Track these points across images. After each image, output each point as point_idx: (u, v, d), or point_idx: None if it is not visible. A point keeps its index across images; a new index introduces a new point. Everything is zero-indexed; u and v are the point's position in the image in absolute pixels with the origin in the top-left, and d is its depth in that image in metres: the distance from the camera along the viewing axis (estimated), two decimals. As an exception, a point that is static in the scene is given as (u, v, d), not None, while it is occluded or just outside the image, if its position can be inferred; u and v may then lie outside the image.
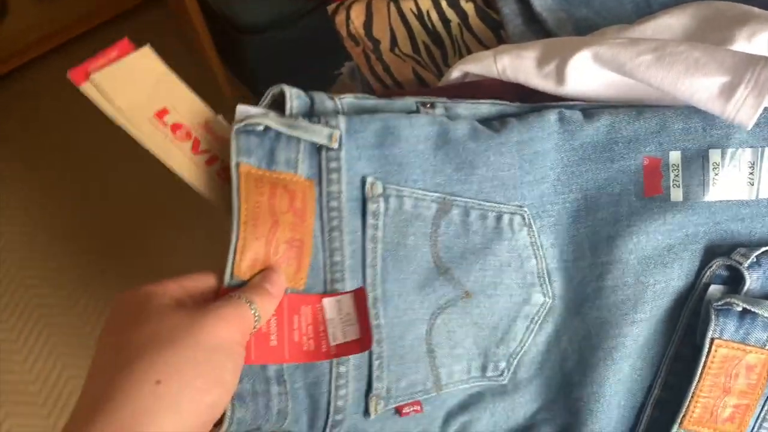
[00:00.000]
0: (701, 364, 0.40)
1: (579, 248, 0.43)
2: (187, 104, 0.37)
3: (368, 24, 0.57)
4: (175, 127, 0.36)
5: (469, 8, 0.55)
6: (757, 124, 0.41)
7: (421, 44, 0.56)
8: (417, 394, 0.41)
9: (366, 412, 0.39)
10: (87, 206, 1.47)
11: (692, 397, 0.41)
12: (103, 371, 0.29)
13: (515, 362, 0.44)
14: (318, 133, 0.37)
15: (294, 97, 0.38)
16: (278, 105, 0.39)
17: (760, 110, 0.38)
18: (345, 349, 0.37)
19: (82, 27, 1.63)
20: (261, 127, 0.36)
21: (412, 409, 0.40)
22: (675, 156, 0.42)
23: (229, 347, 0.31)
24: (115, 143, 1.53)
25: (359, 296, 0.38)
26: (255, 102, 0.38)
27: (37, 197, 1.49)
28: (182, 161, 0.37)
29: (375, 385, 0.39)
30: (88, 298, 1.36)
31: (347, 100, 0.41)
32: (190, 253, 1.38)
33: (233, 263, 0.35)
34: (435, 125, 0.41)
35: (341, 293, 0.38)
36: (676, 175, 0.42)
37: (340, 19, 0.57)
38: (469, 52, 0.55)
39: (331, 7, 0.58)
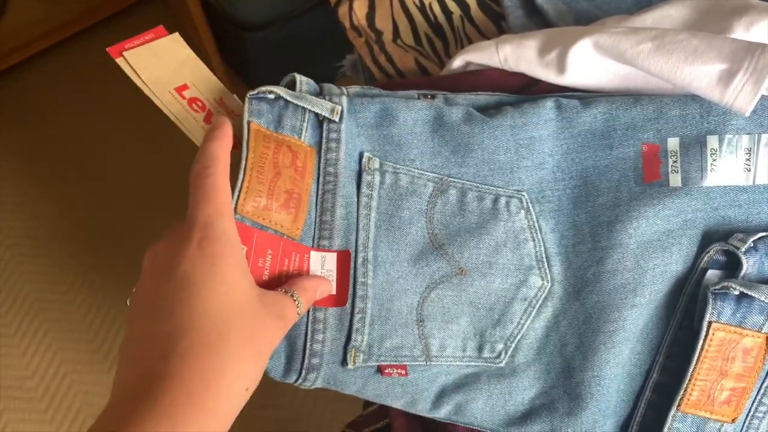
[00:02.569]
0: (699, 348, 0.41)
1: (579, 233, 0.44)
2: (206, 82, 0.42)
3: (371, 15, 0.57)
4: (192, 101, 0.41)
5: (470, 0, 0.56)
6: (754, 111, 0.41)
7: (423, 35, 0.57)
8: (403, 359, 0.43)
9: (344, 362, 0.41)
10: (86, 201, 1.47)
11: (690, 380, 0.41)
12: (169, 348, 0.31)
13: (513, 345, 0.44)
14: (321, 106, 0.41)
15: (304, 83, 0.42)
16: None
17: (758, 97, 0.38)
18: (320, 301, 0.40)
19: (83, 23, 1.63)
20: (272, 96, 0.40)
21: (395, 371, 0.42)
22: (673, 142, 0.43)
23: (271, 349, 0.35)
24: (116, 140, 1.54)
25: (344, 257, 0.41)
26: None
27: (36, 192, 1.49)
28: (194, 128, 0.41)
29: (354, 336, 0.41)
30: (86, 293, 1.36)
31: (354, 89, 0.44)
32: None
33: (237, 202, 0.38)
34: (431, 110, 0.44)
35: (328, 250, 0.41)
36: (675, 161, 0.43)
37: (342, 10, 0.58)
38: (470, 43, 0.56)
39: (333, -1, 0.59)
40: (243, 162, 0.39)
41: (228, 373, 0.31)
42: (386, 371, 0.42)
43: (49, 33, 1.61)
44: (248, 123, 0.39)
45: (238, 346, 0.32)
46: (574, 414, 0.43)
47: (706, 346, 0.41)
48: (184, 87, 0.41)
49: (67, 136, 1.55)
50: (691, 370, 0.41)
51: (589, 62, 0.44)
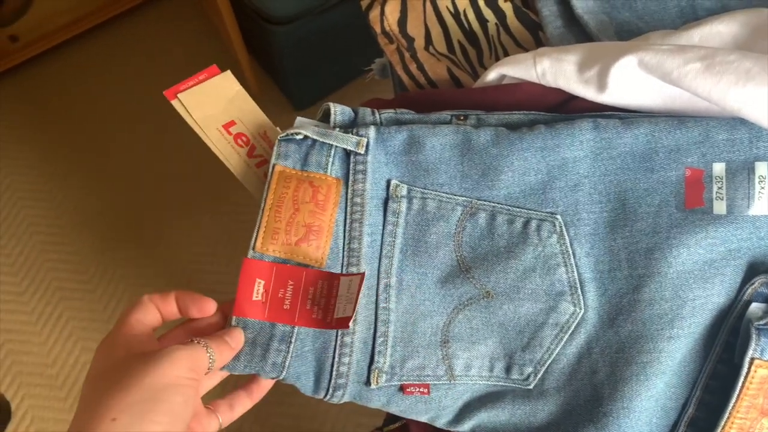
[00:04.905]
0: (739, 385, 0.39)
1: (615, 259, 0.42)
2: (252, 117, 0.46)
3: (403, 21, 0.56)
4: (238, 136, 0.45)
5: (507, 8, 0.54)
6: (807, 138, 0.39)
7: (457, 44, 0.55)
8: (426, 378, 0.44)
9: (368, 382, 0.43)
10: (111, 191, 1.48)
11: (728, 417, 0.39)
12: (77, 415, 0.35)
13: (543, 370, 0.43)
14: (347, 141, 0.43)
15: (338, 113, 0.45)
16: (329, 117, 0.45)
17: (814, 125, 0.36)
18: (339, 323, 0.42)
19: (109, 12, 1.64)
20: (300, 136, 0.43)
21: (417, 390, 0.43)
22: (719, 168, 0.41)
23: (177, 384, 0.35)
24: (141, 131, 1.54)
25: (360, 280, 0.42)
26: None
27: (60, 180, 1.50)
28: (237, 162, 0.44)
29: (376, 358, 0.43)
30: (107, 283, 1.37)
31: (387, 115, 0.46)
32: (207, 242, 1.38)
33: (255, 240, 0.42)
34: (459, 134, 0.44)
35: (352, 274, 0.43)
36: (720, 188, 0.41)
37: (374, 15, 0.56)
38: (506, 53, 0.54)
39: (364, 2, 0.57)
40: (262, 203, 0.42)
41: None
42: (408, 390, 0.43)
43: (76, 22, 1.61)
44: (273, 165, 0.42)
45: (102, 387, 0.34)
46: None
47: (747, 384, 0.39)
48: (231, 123, 0.45)
49: (92, 126, 1.56)
50: (730, 407, 0.39)
51: (632, 81, 0.42)
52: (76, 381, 1.28)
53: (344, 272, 0.43)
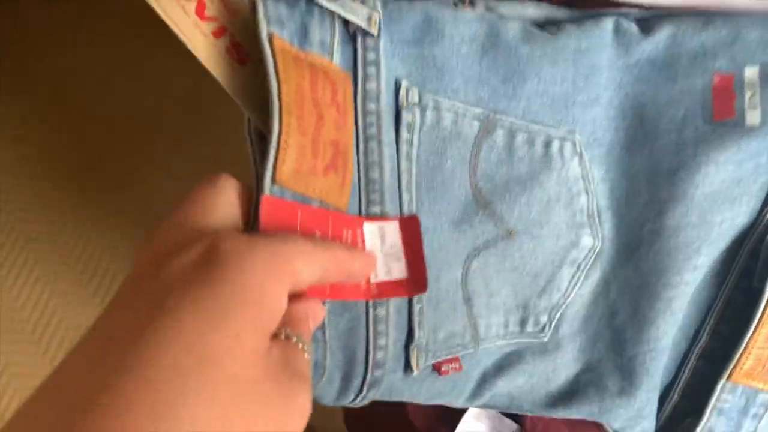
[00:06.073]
0: (760, 311, 0.36)
1: (633, 183, 0.37)
2: None
3: None
4: None
5: None
6: None
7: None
8: (455, 349, 0.35)
9: (407, 368, 0.33)
10: (75, 130, 1.40)
11: (745, 347, 0.36)
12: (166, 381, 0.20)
13: (557, 316, 0.38)
14: (356, 12, 0.30)
15: None
16: None
17: None
18: (389, 290, 0.30)
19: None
20: None
21: (451, 366, 0.35)
22: (751, 72, 0.36)
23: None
24: (104, 65, 1.45)
25: (411, 225, 0.30)
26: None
27: (21, 122, 1.41)
28: (187, 26, 0.27)
29: (416, 333, 0.32)
30: (73, 224, 1.31)
31: None
32: (180, 179, 1.32)
33: (275, 164, 0.26)
34: (484, 23, 0.34)
35: (384, 219, 0.30)
36: (752, 95, 0.36)
37: None
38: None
39: None
40: (276, 102, 0.25)
41: None
42: (443, 369, 0.35)
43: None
44: (270, 36, 0.26)
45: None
46: (626, 393, 0.37)
47: (767, 311, 0.36)
48: None
49: (55, 65, 1.46)
50: (747, 336, 0.36)
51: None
52: (48, 324, 1.24)
53: (364, 214, 0.30)
